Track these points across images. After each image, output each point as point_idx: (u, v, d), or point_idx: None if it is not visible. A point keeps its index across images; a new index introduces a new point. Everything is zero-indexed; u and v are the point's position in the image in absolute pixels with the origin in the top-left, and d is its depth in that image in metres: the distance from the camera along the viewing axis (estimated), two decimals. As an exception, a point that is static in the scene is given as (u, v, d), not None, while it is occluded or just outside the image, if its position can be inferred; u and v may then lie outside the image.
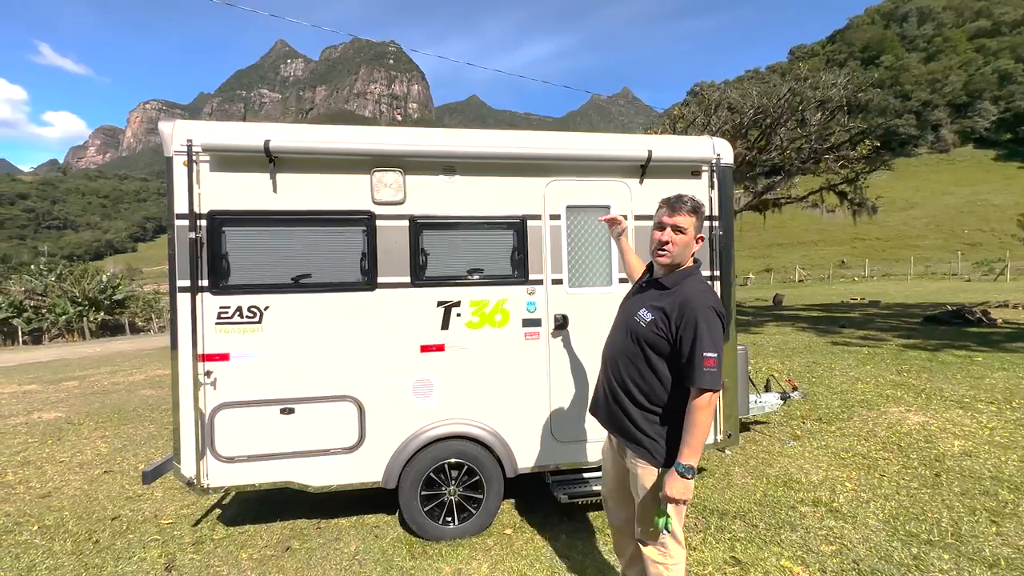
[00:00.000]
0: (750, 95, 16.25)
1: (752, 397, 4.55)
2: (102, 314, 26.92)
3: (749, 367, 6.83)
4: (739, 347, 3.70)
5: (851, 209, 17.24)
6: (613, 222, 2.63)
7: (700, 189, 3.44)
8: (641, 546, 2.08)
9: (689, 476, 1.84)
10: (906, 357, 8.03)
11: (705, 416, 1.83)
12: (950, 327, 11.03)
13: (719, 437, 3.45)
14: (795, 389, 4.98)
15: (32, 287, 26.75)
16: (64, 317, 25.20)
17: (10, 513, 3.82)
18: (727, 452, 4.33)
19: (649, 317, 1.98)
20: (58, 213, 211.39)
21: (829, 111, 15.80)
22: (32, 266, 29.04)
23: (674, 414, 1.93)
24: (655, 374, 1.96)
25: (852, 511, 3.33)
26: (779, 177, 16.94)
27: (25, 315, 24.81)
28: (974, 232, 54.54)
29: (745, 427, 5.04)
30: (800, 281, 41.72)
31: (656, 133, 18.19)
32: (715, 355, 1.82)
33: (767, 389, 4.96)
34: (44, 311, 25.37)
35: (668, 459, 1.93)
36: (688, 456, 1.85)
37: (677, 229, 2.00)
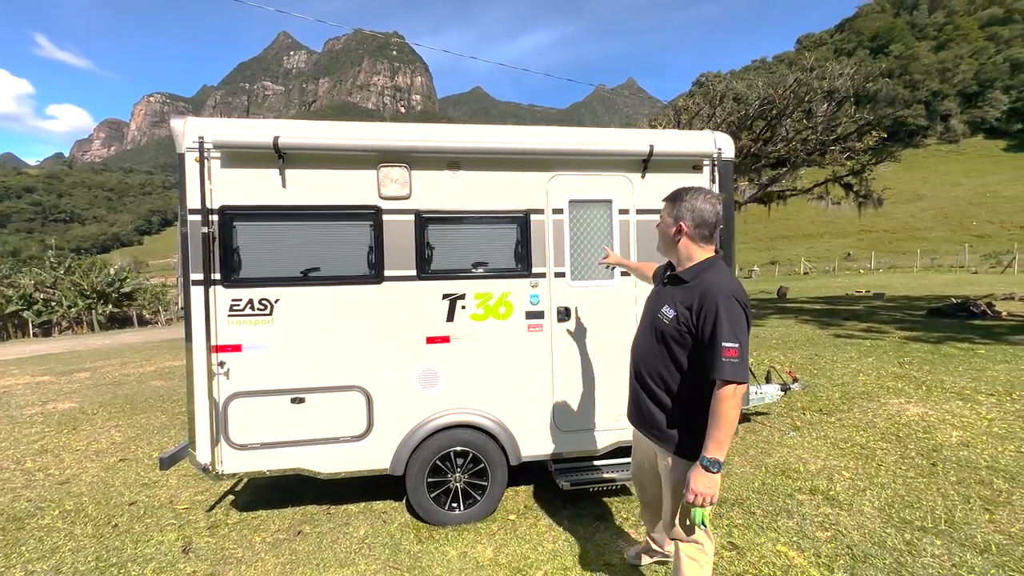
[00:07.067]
0: (756, 86, 16.13)
1: (752, 388, 4.62)
2: (110, 307, 27.25)
3: (751, 359, 6.91)
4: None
5: (857, 201, 17.13)
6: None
7: (701, 183, 3.48)
8: (677, 542, 2.08)
9: (714, 470, 1.81)
10: (908, 349, 8.06)
11: (728, 409, 1.78)
12: (954, 320, 11.01)
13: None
14: (796, 380, 5.03)
15: (42, 280, 27.09)
16: (73, 309, 25.53)
17: (31, 499, 3.96)
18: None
19: (672, 313, 1.96)
20: (64, 207, 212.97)
21: (836, 102, 15.67)
22: (43, 259, 29.35)
23: (702, 408, 1.90)
24: (679, 369, 1.96)
25: (848, 499, 3.40)
26: (784, 169, 16.82)
27: (35, 307, 25.14)
28: (983, 224, 53.90)
29: (745, 418, 5.11)
30: (805, 274, 41.50)
31: (661, 125, 18.09)
32: (736, 345, 1.77)
33: (768, 380, 5.02)
34: (53, 303, 25.70)
35: (697, 453, 1.90)
36: (713, 450, 1.81)
37: (660, 217, 2.19)
